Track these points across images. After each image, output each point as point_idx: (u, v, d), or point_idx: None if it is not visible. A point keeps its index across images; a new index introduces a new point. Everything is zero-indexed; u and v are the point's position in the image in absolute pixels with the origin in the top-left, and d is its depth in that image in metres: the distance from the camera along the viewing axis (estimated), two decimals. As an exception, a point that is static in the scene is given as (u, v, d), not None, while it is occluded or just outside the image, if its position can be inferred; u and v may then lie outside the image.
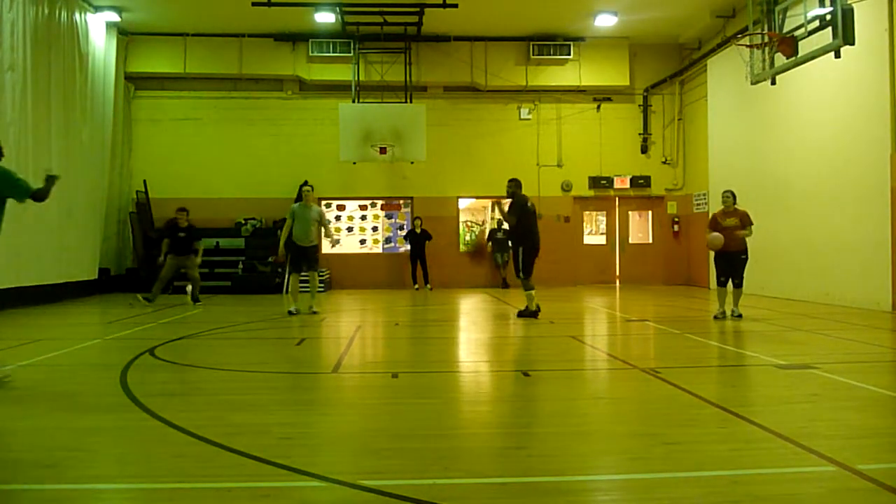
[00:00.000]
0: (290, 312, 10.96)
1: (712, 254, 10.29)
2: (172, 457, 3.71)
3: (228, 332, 9.28)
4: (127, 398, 5.07)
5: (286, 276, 16.34)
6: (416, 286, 17.03)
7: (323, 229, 11.48)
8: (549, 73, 17.64)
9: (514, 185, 10.36)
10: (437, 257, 17.33)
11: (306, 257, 11.18)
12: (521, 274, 10.16)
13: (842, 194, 11.81)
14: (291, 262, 11.54)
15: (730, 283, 9.95)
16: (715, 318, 9.82)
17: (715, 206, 16.37)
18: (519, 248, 10.18)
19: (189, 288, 15.02)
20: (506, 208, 10.27)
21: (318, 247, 11.44)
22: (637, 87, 18.18)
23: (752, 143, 14.72)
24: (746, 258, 9.83)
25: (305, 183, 12.79)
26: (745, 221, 9.79)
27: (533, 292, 10.19)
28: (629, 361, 6.70)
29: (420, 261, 17.04)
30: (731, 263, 9.80)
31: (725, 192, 10.06)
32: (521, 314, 10.30)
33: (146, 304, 12.42)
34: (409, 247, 17.92)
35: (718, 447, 3.86)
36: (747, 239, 9.81)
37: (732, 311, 9.85)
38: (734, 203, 9.91)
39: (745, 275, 9.92)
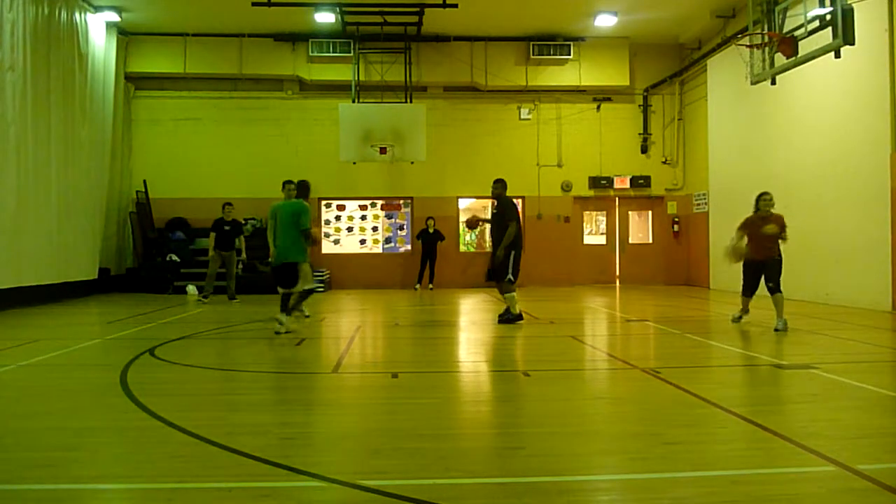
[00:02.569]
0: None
1: (724, 255, 9.30)
2: (172, 457, 3.71)
3: (228, 332, 9.28)
4: (127, 398, 5.07)
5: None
6: (418, 286, 17.03)
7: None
8: (549, 73, 17.64)
9: (502, 187, 9.92)
10: (438, 257, 17.32)
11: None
12: (511, 278, 9.58)
13: (842, 194, 11.81)
14: None
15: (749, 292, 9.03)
16: (734, 319, 9.25)
17: (715, 206, 16.47)
18: (511, 252, 9.59)
19: (190, 287, 15.10)
20: (484, 216, 9.66)
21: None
22: (637, 87, 18.18)
23: (752, 143, 14.72)
24: (781, 260, 8.79)
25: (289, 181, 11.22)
26: (783, 226, 8.73)
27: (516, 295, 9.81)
28: (629, 361, 6.70)
29: (430, 261, 17.07)
30: (765, 271, 8.73)
31: (766, 194, 8.96)
32: (506, 320, 9.73)
33: (206, 302, 13.28)
34: (408, 246, 17.95)
35: (718, 447, 3.86)
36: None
37: (782, 325, 8.48)
38: (773, 206, 8.93)
39: (739, 275, 9.14)
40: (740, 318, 9.29)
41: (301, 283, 8.63)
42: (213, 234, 13.54)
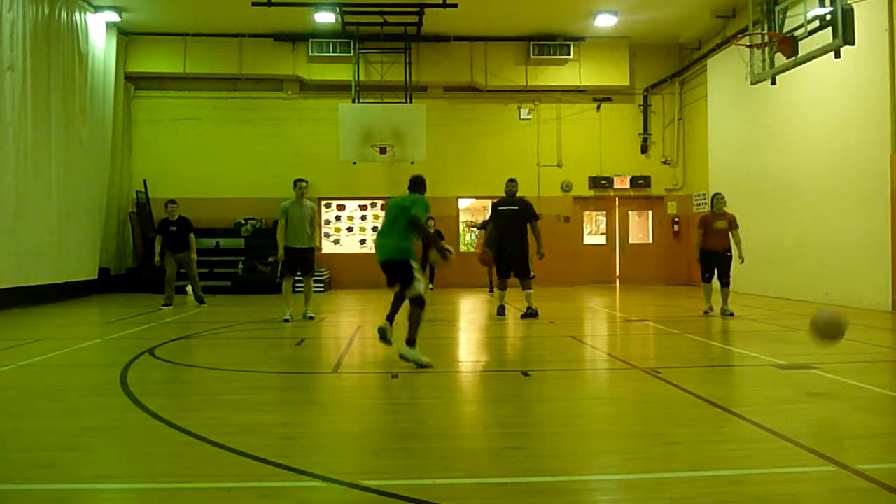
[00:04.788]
0: (285, 321, 9.96)
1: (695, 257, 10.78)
2: (172, 457, 3.71)
3: (228, 332, 9.28)
4: (127, 398, 5.06)
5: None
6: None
7: (312, 230, 10.27)
8: (549, 73, 17.65)
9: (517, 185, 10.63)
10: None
11: (300, 261, 10.14)
12: (534, 274, 10.41)
13: (842, 194, 11.81)
14: (284, 265, 10.18)
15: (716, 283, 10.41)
16: (705, 313, 10.38)
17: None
18: (528, 250, 10.28)
19: (189, 288, 14.99)
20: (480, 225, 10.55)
21: (313, 249, 10.30)
22: (637, 87, 18.18)
23: (752, 143, 14.72)
24: (731, 257, 10.32)
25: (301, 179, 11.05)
26: (734, 224, 10.28)
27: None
28: (629, 361, 6.70)
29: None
30: (718, 261, 10.32)
31: (718, 194, 10.55)
32: (529, 315, 10.22)
33: (169, 308, 12.14)
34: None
35: (718, 447, 3.86)
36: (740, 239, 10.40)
37: (723, 311, 10.11)
38: (724, 205, 10.52)
39: (738, 274, 10.48)
40: (711, 310, 10.40)
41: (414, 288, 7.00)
42: (159, 238, 12.38)
